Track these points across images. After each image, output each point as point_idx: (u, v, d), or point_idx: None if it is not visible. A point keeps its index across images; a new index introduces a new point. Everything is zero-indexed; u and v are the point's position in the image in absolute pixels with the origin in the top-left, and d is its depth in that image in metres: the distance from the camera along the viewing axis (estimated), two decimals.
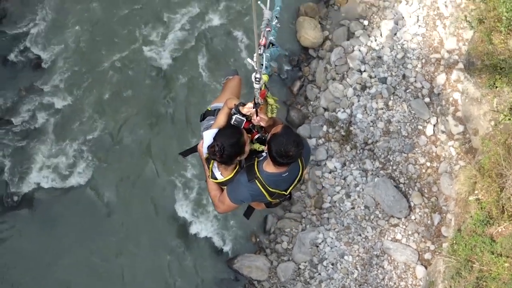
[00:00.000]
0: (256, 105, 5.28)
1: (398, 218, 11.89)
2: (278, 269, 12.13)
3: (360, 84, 12.74)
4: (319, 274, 11.94)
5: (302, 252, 12.01)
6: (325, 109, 12.82)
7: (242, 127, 5.44)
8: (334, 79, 12.96)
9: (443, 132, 12.32)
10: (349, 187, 12.20)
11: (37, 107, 12.77)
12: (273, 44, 5.51)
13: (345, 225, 12.02)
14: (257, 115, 5.34)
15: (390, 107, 12.51)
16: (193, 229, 12.45)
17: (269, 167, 5.24)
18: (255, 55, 4.70)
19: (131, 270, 12.09)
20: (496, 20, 11.24)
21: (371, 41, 13.12)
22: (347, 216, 12.04)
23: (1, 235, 12.05)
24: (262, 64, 5.13)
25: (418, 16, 13.06)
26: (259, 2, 4.86)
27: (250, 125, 5.56)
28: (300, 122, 12.88)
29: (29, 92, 12.84)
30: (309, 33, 13.41)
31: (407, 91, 12.56)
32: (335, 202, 12.18)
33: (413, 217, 11.90)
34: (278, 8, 5.73)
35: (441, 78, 12.52)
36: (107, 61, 13.17)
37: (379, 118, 12.45)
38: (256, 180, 5.27)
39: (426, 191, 12.01)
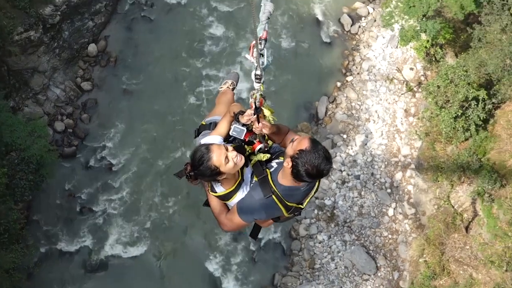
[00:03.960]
0: (257, 110, 4.62)
1: (368, 275, 15.97)
2: None
3: (341, 180, 17.10)
4: None
5: None
6: (316, 198, 16.99)
7: (242, 137, 4.81)
8: None
9: (400, 213, 16.58)
10: (333, 253, 16.28)
11: (110, 199, 17.15)
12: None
13: (330, 280, 16.03)
14: (258, 122, 4.71)
15: (362, 196, 16.86)
16: (217, 284, 16.43)
17: (285, 180, 4.56)
18: (254, 50, 4.13)
19: None
20: (437, 134, 15.56)
21: (349, 149, 17.57)
22: (332, 274, 16.07)
23: None
24: (264, 61, 4.40)
25: (382, 131, 17.63)
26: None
27: (252, 136, 4.89)
28: None
29: (104, 189, 17.33)
30: None
31: (375, 184, 16.96)
32: (323, 264, 16.22)
33: (379, 274, 16.00)
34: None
35: (398, 175, 16.98)
36: (162, 167, 17.47)
37: (355, 204, 16.76)
38: (273, 195, 4.56)
39: (388, 255, 16.17)
